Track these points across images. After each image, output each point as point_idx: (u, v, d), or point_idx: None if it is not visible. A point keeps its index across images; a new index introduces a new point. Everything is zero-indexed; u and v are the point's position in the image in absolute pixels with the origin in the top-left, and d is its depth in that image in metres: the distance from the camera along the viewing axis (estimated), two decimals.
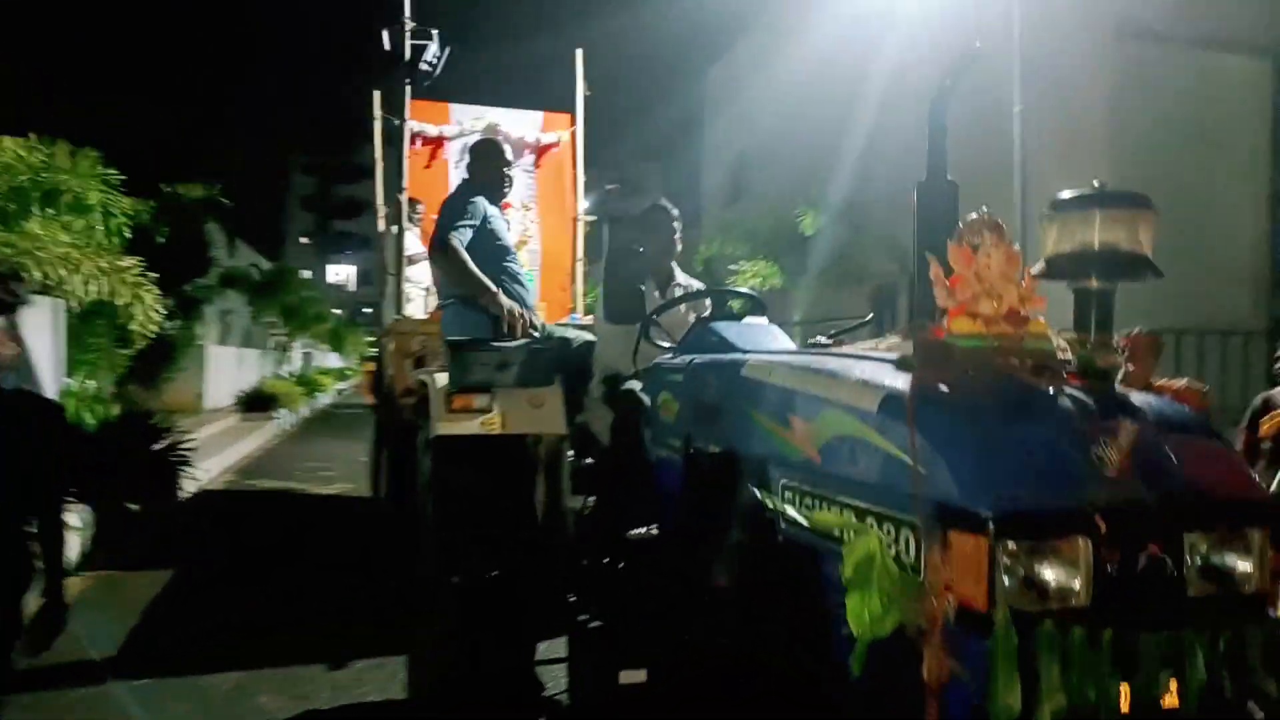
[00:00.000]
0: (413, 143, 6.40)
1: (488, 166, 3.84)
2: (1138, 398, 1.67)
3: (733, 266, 12.17)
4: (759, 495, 2.13)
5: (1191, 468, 1.48)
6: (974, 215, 1.83)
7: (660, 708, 2.45)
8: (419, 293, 7.01)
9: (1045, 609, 1.34)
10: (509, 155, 3.92)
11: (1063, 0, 10.41)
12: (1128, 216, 1.67)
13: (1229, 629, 1.38)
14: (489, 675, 3.15)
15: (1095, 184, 1.75)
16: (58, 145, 6.93)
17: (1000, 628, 1.26)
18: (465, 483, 3.20)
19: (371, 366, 8.17)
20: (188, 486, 7.80)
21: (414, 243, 6.59)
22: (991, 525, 1.34)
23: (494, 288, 3.54)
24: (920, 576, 1.31)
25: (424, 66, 6.07)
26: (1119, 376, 1.69)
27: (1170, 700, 1.37)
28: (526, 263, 5.77)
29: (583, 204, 7.04)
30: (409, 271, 6.49)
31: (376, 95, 7.10)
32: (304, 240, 61.21)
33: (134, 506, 6.51)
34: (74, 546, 5.43)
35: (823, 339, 3.01)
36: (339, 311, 36.22)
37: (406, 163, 6.08)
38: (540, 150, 6.87)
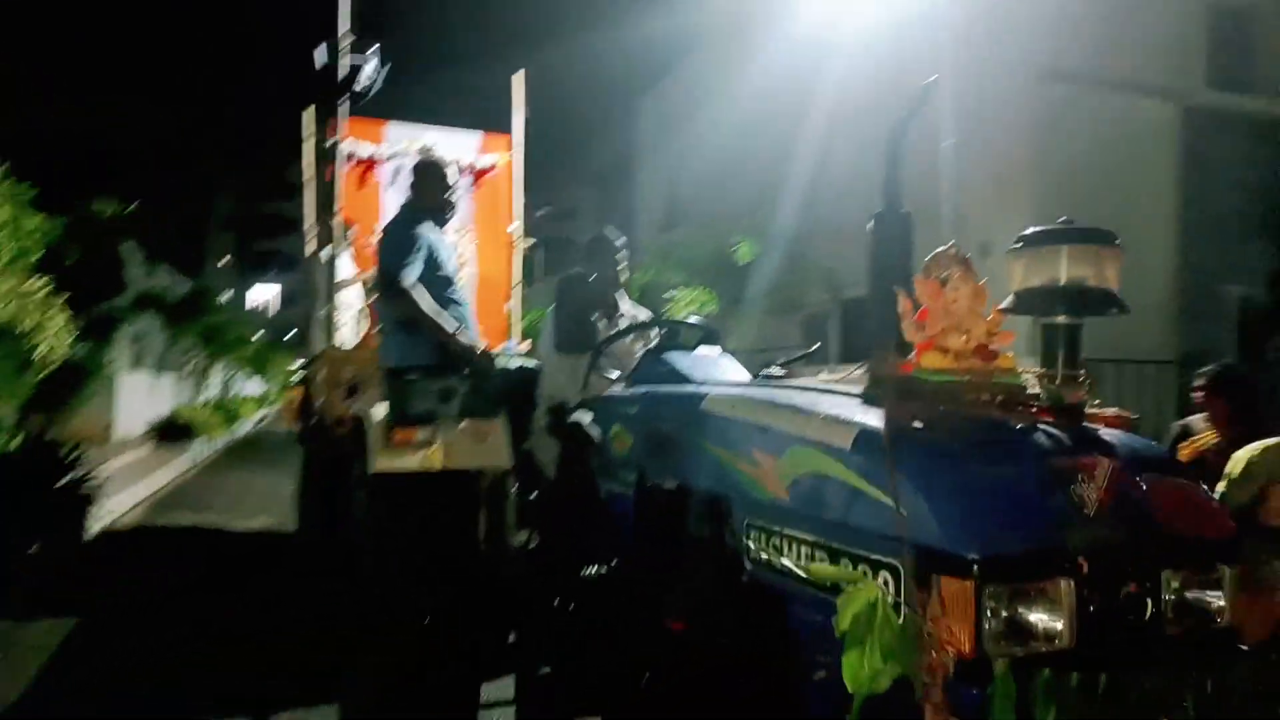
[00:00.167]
0: (346, 162, 6.23)
1: (431, 189, 3.72)
2: (1107, 434, 1.67)
3: (669, 294, 12.19)
4: (721, 534, 2.07)
5: (1165, 505, 1.48)
6: (941, 249, 1.82)
7: None
8: (350, 317, 6.79)
9: (1030, 652, 1.31)
10: (454, 178, 3.81)
11: (990, 41, 10.83)
12: (1094, 252, 1.67)
13: (1207, 666, 1.37)
14: None
15: (1060, 220, 1.76)
16: None
17: (1000, 676, 1.22)
18: (404, 519, 3.06)
19: (298, 393, 7.84)
20: (95, 524, 7.35)
21: (346, 267, 6.39)
22: (978, 568, 1.30)
23: (453, 327, 3.42)
24: (920, 627, 1.26)
25: (360, 86, 5.89)
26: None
27: None
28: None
29: (520, 227, 6.95)
30: (339, 296, 6.28)
31: (308, 112, 6.91)
32: (225, 261, 59.29)
33: (34, 548, 6.09)
34: None
35: (775, 369, 2.99)
36: (261, 335, 35.05)
37: (341, 183, 5.88)
38: (478, 172, 6.77)
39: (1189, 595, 1.43)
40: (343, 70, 5.83)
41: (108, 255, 11.82)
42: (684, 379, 2.62)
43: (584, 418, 3.14)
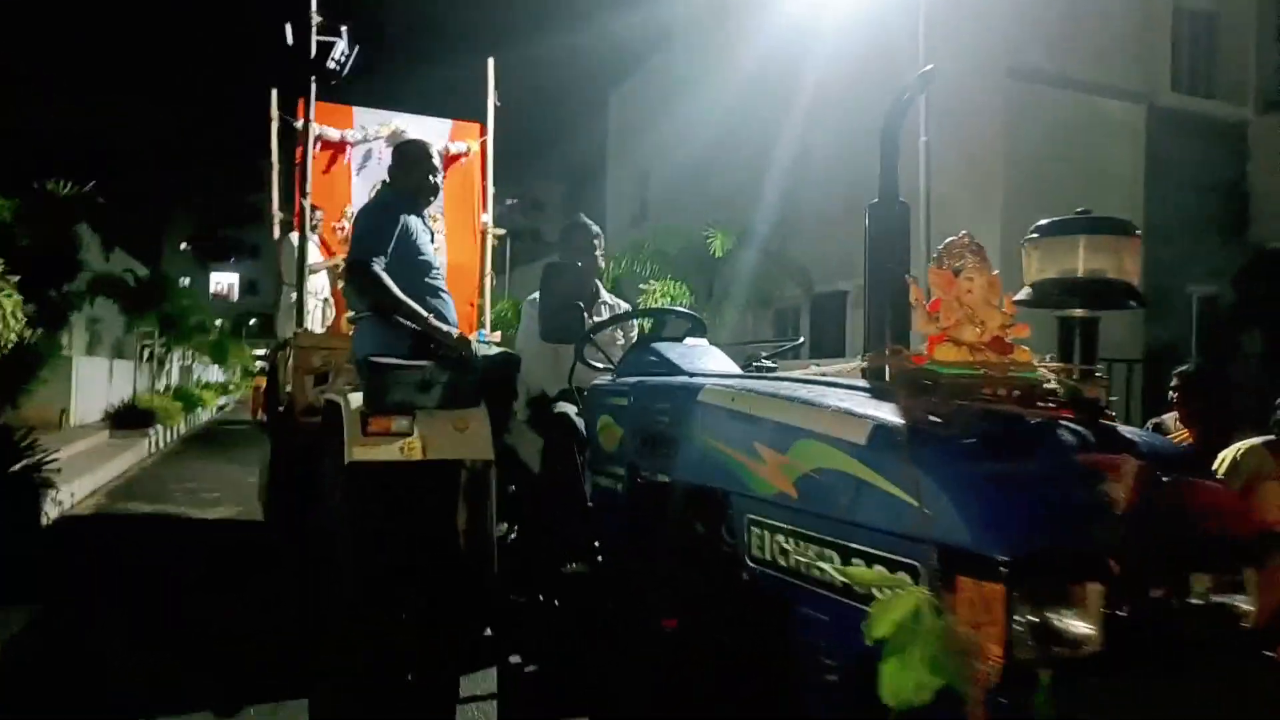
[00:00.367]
0: (313, 145, 6.05)
1: (413, 171, 3.58)
2: (1128, 431, 1.63)
3: (642, 286, 12.12)
4: (719, 530, 2.00)
5: (1192, 505, 1.44)
6: (954, 238, 1.76)
7: None
8: (316, 304, 6.63)
9: (1058, 657, 1.25)
10: (437, 160, 3.68)
11: (962, 39, 10.90)
12: (1113, 243, 1.63)
13: (1236, 671, 1.33)
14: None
15: (1077, 210, 1.71)
16: None
17: (1044, 687, 1.16)
18: (381, 511, 2.95)
19: (262, 381, 7.65)
20: (50, 511, 7.12)
21: (312, 252, 6.22)
22: (1007, 570, 1.24)
23: (424, 312, 3.31)
24: (967, 635, 1.20)
25: (330, 65, 5.72)
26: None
27: None
28: None
29: (491, 215, 6.83)
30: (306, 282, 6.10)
31: (274, 93, 6.72)
32: (184, 247, 58.01)
33: None
34: None
35: (766, 361, 2.93)
36: (221, 322, 34.37)
37: (310, 165, 5.70)
38: (448, 160, 6.62)
39: (1217, 599, 1.39)
40: (312, 50, 5.66)
41: (63, 237, 11.44)
42: (675, 369, 2.54)
43: (569, 409, 3.06)
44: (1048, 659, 1.23)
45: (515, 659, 2.56)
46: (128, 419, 14.16)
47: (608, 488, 2.61)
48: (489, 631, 3.03)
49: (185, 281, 30.58)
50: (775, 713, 1.74)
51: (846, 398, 1.74)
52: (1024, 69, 11.40)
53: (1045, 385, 1.63)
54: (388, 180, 3.73)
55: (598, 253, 3.83)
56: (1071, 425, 1.54)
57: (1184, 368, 4.17)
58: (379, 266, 3.29)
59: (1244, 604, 1.40)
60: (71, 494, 8.28)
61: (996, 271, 1.73)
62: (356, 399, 3.12)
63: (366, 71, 6.23)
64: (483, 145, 6.62)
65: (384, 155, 6.60)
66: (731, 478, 1.90)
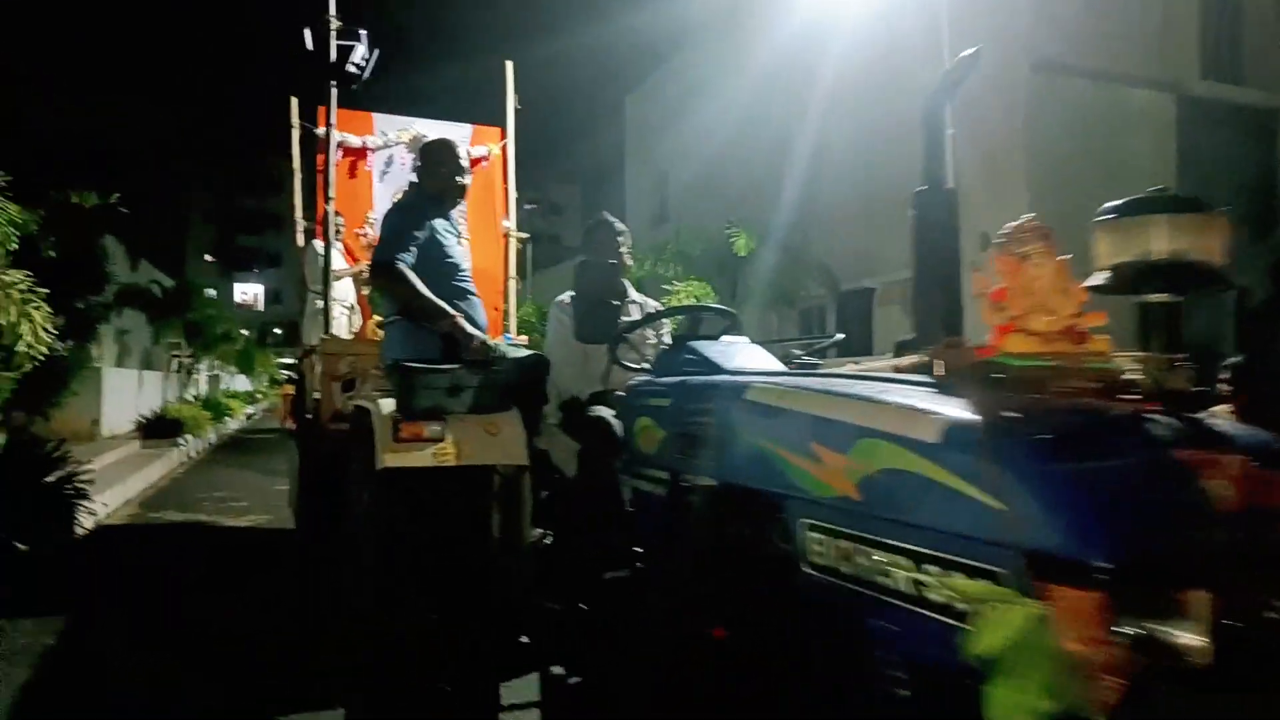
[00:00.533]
0: (336, 150, 6.02)
1: (440, 171, 3.51)
2: (1223, 423, 1.52)
3: (666, 287, 12.03)
4: (771, 535, 1.91)
5: None
6: (1019, 221, 1.66)
7: None
8: (341, 310, 6.60)
9: (1164, 671, 1.15)
10: (464, 160, 3.61)
11: (984, 32, 10.73)
12: (1198, 223, 1.52)
13: None
14: None
15: (1152, 189, 1.60)
16: None
17: (1155, 705, 1.06)
18: (415, 518, 2.88)
19: (290, 390, 7.63)
20: (84, 522, 7.13)
21: (336, 259, 6.19)
22: (1108, 577, 1.14)
23: (451, 311, 3.24)
24: (1086, 653, 1.10)
25: (350, 69, 5.67)
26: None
27: None
28: None
29: (514, 219, 6.78)
30: (331, 288, 6.07)
31: (294, 101, 6.70)
32: (208, 258, 58.69)
33: (23, 546, 5.87)
34: None
35: (806, 358, 2.83)
36: (247, 332, 34.69)
37: (334, 171, 5.66)
38: (470, 163, 6.58)
39: None
40: (332, 54, 5.62)
41: (89, 249, 11.53)
42: (716, 368, 2.45)
43: (605, 411, 2.98)
44: (1155, 674, 1.13)
45: (557, 670, 2.48)
46: (158, 429, 14.29)
47: (648, 492, 2.52)
48: (525, 639, 2.96)
49: (212, 292, 30.88)
50: None
51: (909, 394, 1.64)
52: (1046, 61, 11.21)
53: (1126, 376, 1.53)
54: (415, 181, 3.67)
55: (624, 250, 3.74)
56: (1161, 418, 1.44)
57: (1235, 360, 4.01)
58: (405, 265, 3.22)
59: None
60: (105, 504, 8.31)
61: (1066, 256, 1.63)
62: (387, 404, 3.06)
63: (383, 75, 6.19)
64: (503, 149, 6.58)
65: (405, 161, 6.57)
66: (784, 480, 1.80)
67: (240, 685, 4.03)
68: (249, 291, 62.78)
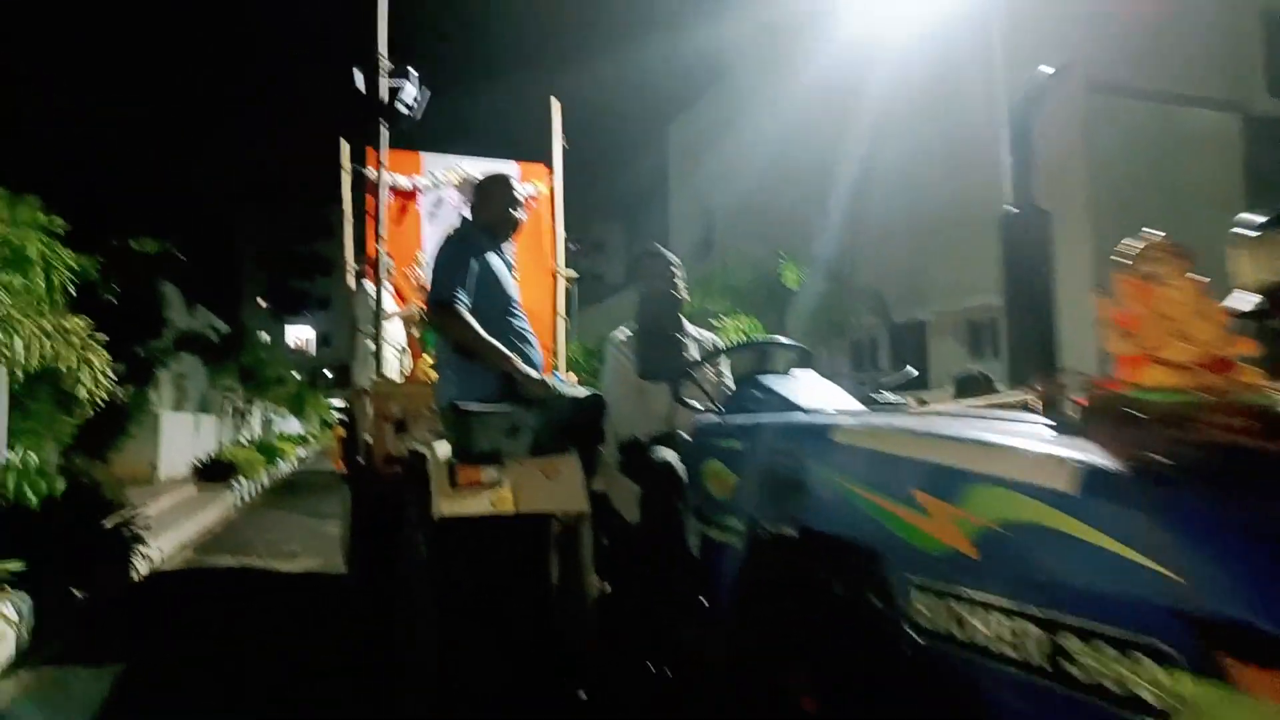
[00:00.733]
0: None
1: (495, 204, 3.42)
2: None
3: (714, 321, 11.87)
4: (866, 594, 1.72)
5: None
6: (1147, 239, 1.48)
7: None
8: (392, 352, 6.57)
9: None
10: (518, 194, 3.52)
11: (1038, 56, 10.52)
12: None
13: None
14: None
15: None
16: None
17: None
18: (473, 568, 2.75)
19: (342, 432, 7.62)
20: (141, 566, 7.13)
21: (386, 300, 6.17)
22: None
23: (509, 353, 3.12)
24: None
25: (401, 108, 5.68)
26: None
27: None
28: None
29: (561, 258, 6.72)
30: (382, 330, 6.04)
31: (345, 145, 6.76)
32: (261, 302, 60.22)
33: (79, 592, 5.87)
34: (7, 642, 4.79)
35: (888, 395, 2.65)
36: (298, 375, 35.35)
37: (384, 211, 5.65)
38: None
39: None
40: (382, 94, 5.64)
41: (147, 295, 11.79)
42: (792, 406, 2.28)
43: (669, 454, 2.82)
44: None
45: None
46: (213, 472, 14.47)
47: (719, 541, 2.35)
48: (584, 696, 2.79)
49: (265, 336, 31.56)
50: None
51: (1026, 435, 1.46)
52: (1104, 82, 10.95)
53: None
54: (467, 216, 3.58)
55: (678, 281, 3.58)
56: None
57: None
58: (462, 304, 3.12)
59: None
60: (160, 550, 8.34)
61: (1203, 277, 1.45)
62: (442, 449, 2.95)
63: (430, 117, 6.21)
64: (550, 186, 6.54)
65: (454, 201, 6.57)
66: (882, 531, 1.63)
67: None
68: (300, 335, 64.19)
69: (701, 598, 2.45)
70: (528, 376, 3.10)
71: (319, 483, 17.20)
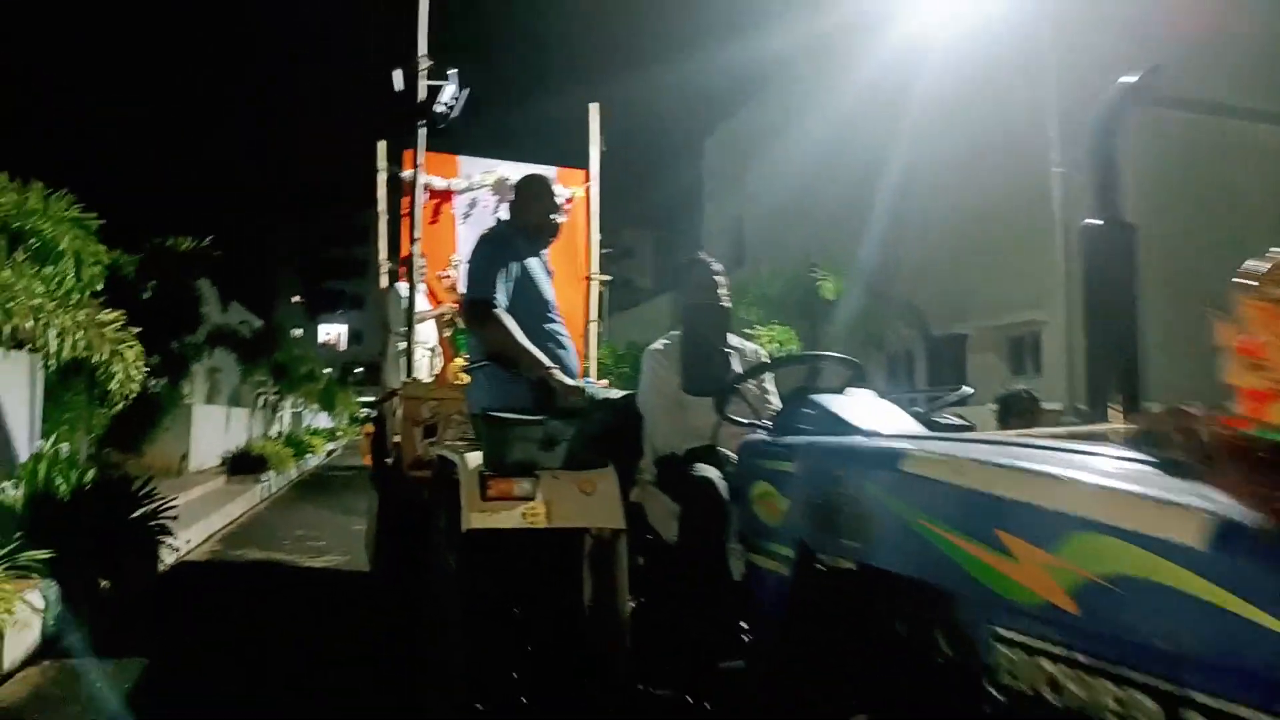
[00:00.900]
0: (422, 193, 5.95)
1: (535, 206, 3.31)
2: None
3: (749, 332, 11.71)
4: (937, 641, 1.57)
5: None
6: (1275, 260, 1.32)
7: None
8: (423, 353, 6.49)
9: None
10: (559, 197, 3.41)
11: (1094, 69, 10.27)
12: None
13: None
14: None
15: None
16: (32, 188, 6.42)
17: None
18: (501, 585, 2.63)
19: (371, 429, 7.60)
20: (167, 558, 7.12)
21: (419, 301, 6.09)
22: None
23: (547, 361, 3.00)
24: None
25: (439, 108, 5.60)
26: None
27: None
28: None
29: (596, 262, 6.61)
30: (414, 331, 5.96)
31: (382, 145, 6.72)
32: (296, 299, 60.98)
33: (105, 583, 5.85)
34: (33, 631, 4.76)
35: (952, 417, 2.48)
36: (329, 370, 35.63)
37: (419, 213, 5.58)
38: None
39: None
40: (421, 94, 5.56)
41: (184, 291, 11.89)
42: (850, 428, 2.12)
43: (711, 472, 2.68)
44: None
45: None
46: (243, 464, 14.57)
47: (767, 570, 2.19)
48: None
49: (298, 333, 31.87)
50: None
51: (1132, 475, 1.30)
52: (1165, 95, 10.66)
53: None
54: (505, 217, 3.47)
55: (722, 290, 3.40)
56: None
57: None
58: (500, 308, 3.01)
59: None
60: (188, 540, 8.34)
61: None
62: (473, 458, 2.82)
63: (468, 120, 6.14)
64: (587, 191, 6.44)
65: (489, 204, 6.50)
66: (958, 573, 1.47)
67: None
68: (332, 331, 64.91)
69: (747, 628, 2.30)
70: (562, 383, 2.97)
71: (346, 477, 17.26)
